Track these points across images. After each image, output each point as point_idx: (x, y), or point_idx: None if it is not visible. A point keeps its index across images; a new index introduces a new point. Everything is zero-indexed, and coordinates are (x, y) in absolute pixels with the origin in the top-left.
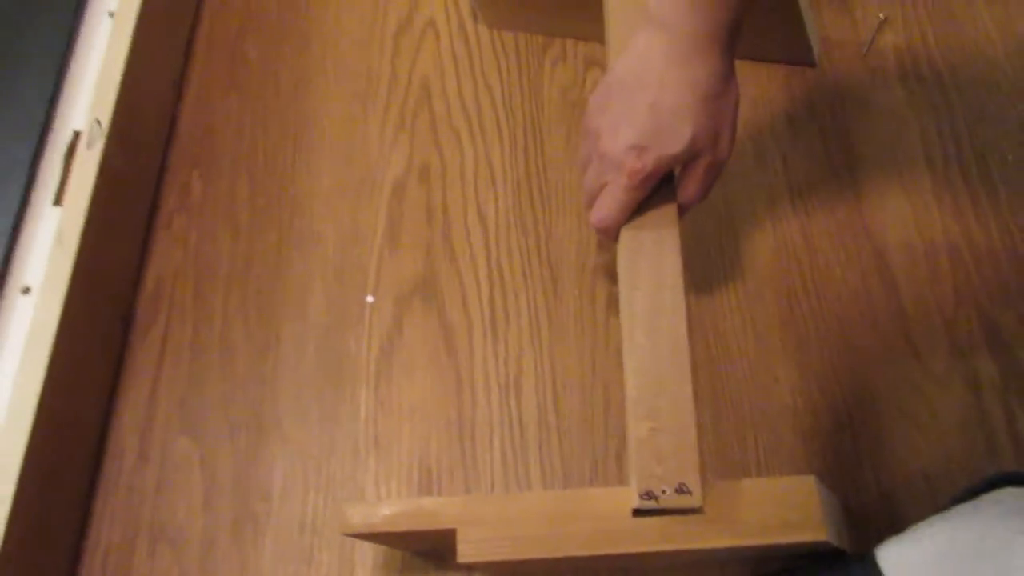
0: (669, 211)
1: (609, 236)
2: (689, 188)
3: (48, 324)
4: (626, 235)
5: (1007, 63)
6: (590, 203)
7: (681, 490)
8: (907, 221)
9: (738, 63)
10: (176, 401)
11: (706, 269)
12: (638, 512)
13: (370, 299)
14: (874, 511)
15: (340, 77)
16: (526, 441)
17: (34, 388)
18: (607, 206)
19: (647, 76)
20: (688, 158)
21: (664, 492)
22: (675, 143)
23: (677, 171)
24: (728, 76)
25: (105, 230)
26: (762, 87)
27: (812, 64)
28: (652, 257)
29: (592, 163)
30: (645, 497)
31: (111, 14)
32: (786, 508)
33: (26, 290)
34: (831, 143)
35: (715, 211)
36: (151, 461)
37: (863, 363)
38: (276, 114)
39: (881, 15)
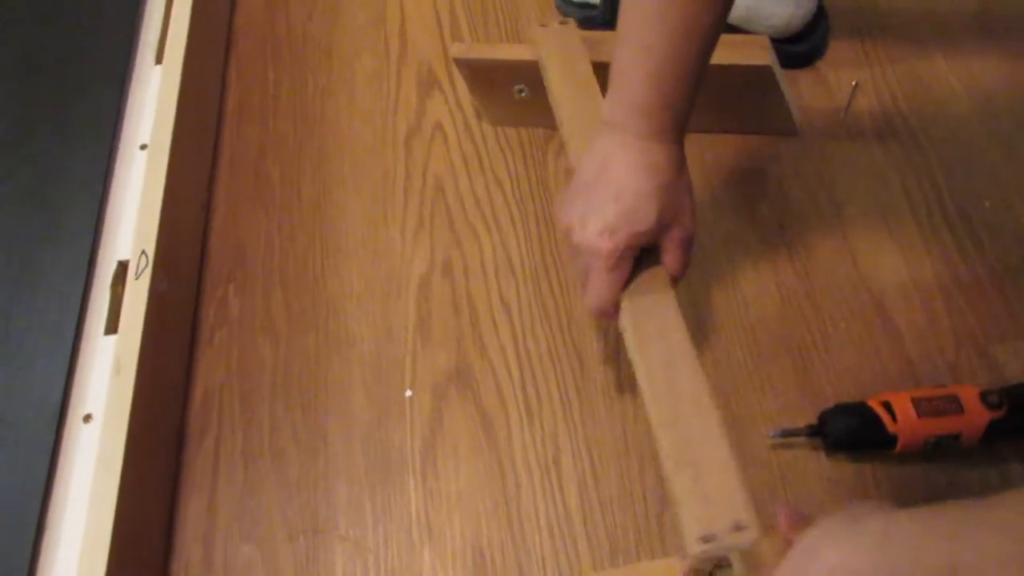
0: (660, 276)
1: (608, 317)
2: (669, 262)
3: (116, 448)
4: (625, 305)
5: (973, 116)
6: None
7: (738, 527)
8: (901, 271)
9: (728, 138)
10: (234, 509)
11: (720, 334)
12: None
13: (409, 393)
14: None
15: (359, 184)
16: (570, 515)
17: (108, 511)
18: (594, 290)
19: (609, 169)
20: (659, 232)
21: (722, 532)
22: (643, 222)
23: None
24: (681, 163)
25: (157, 352)
26: (752, 158)
27: (795, 133)
28: (653, 316)
29: (573, 258)
30: (704, 541)
31: (143, 146)
32: None
33: (87, 418)
34: (821, 204)
35: (722, 278)
36: (215, 569)
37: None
38: (302, 225)
39: (853, 81)
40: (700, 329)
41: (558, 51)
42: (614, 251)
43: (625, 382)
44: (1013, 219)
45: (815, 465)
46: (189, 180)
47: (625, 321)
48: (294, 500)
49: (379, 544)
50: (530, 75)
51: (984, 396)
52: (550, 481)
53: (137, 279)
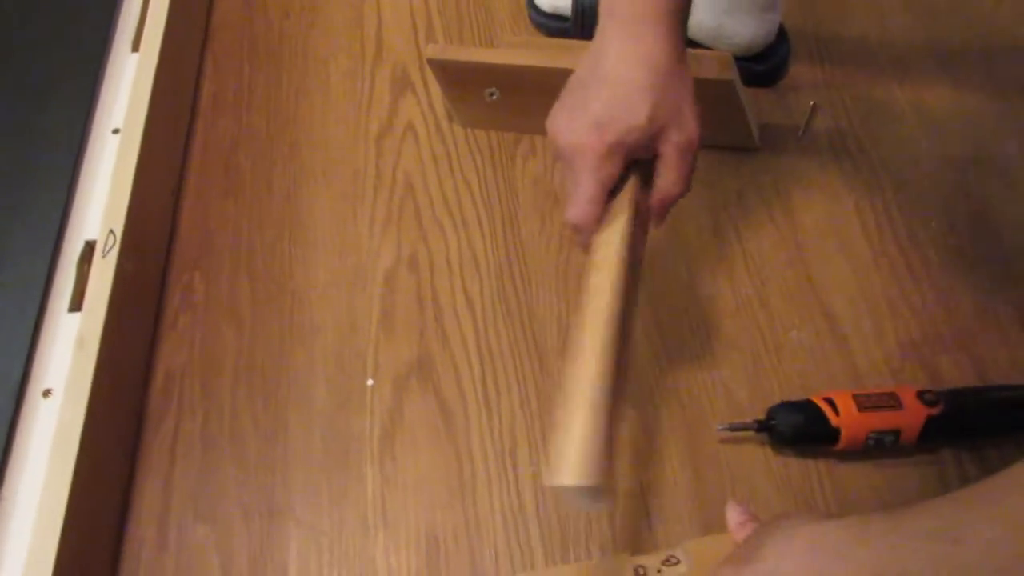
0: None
1: (582, 234)
2: (668, 176)
3: (74, 423)
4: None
5: (924, 140)
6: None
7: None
8: (850, 284)
9: None
10: (190, 490)
11: (675, 334)
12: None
13: (370, 383)
14: None
15: (329, 179)
16: (524, 506)
17: (64, 485)
18: (574, 198)
19: (601, 66)
20: (653, 132)
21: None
22: (635, 115)
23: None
24: (680, 56)
25: (119, 332)
26: (713, 169)
27: (755, 148)
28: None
29: (561, 167)
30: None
31: (116, 131)
32: None
33: (47, 392)
34: (777, 216)
35: (679, 279)
36: (169, 549)
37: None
38: (271, 215)
39: (811, 102)
40: (656, 328)
41: None
42: (599, 146)
43: None
44: (958, 239)
45: (763, 463)
46: (160, 166)
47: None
48: (251, 483)
49: (333, 528)
50: (501, 78)
51: (921, 395)
52: (506, 472)
53: (104, 258)
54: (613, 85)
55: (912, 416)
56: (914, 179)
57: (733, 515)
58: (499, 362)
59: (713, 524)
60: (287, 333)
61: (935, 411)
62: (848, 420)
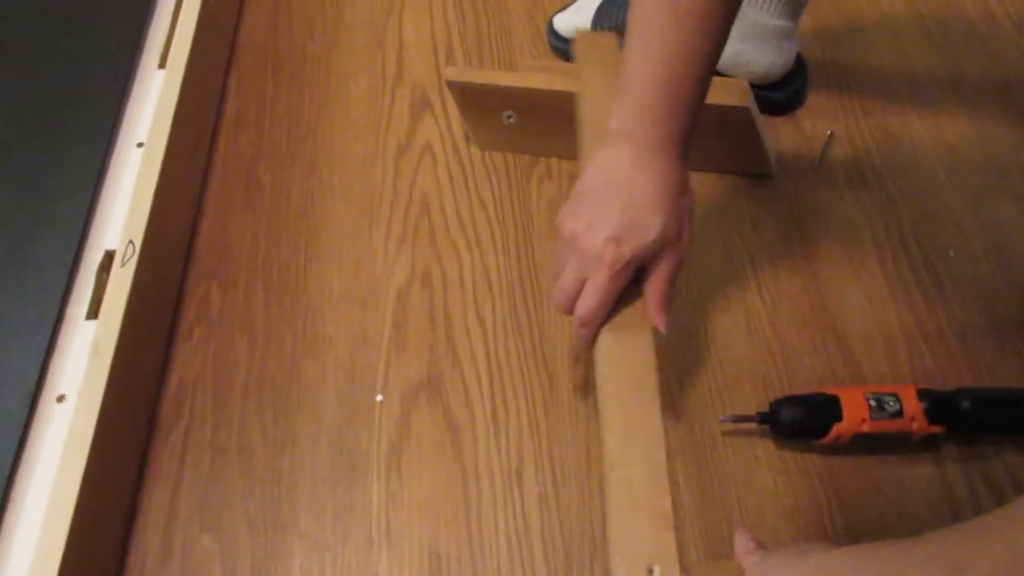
0: (640, 312)
1: (592, 328)
2: (659, 285)
3: (85, 429)
4: (603, 337)
5: (941, 170)
6: (567, 303)
7: (650, 571)
8: (866, 313)
9: (707, 176)
10: (197, 500)
11: (687, 359)
12: None
13: (379, 398)
14: None
15: (346, 195)
16: (529, 527)
17: (72, 491)
18: (592, 296)
19: (617, 178)
20: (658, 249)
21: (651, 572)
22: (648, 233)
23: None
24: (685, 180)
25: (135, 341)
26: (728, 196)
27: (770, 175)
28: (628, 352)
29: (571, 263)
30: None
31: (140, 144)
32: None
33: (61, 398)
34: (792, 244)
35: (692, 305)
36: (173, 558)
37: (836, 445)
38: (288, 230)
39: (828, 131)
40: (667, 351)
41: (595, 56)
42: (618, 260)
43: (592, 400)
44: (975, 270)
45: (763, 458)
46: (181, 179)
47: (600, 352)
48: (257, 495)
49: (337, 542)
50: (519, 101)
51: (924, 393)
52: (511, 492)
53: (122, 267)
54: (630, 204)
55: (915, 413)
56: (932, 209)
57: (741, 542)
58: (508, 381)
59: (718, 547)
60: (299, 346)
61: (938, 409)
62: (851, 414)
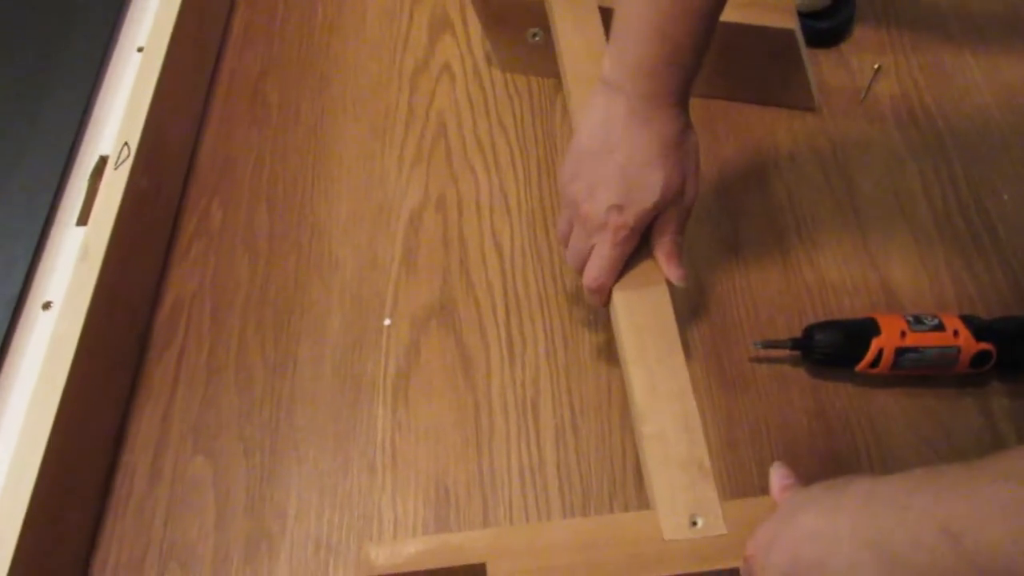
0: (653, 269)
1: (603, 294)
2: (667, 241)
3: (69, 336)
4: (618, 296)
5: (996, 109)
6: (579, 266)
7: (693, 522)
8: (911, 254)
9: (744, 106)
10: (190, 421)
11: (719, 298)
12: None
13: (387, 322)
14: None
15: (359, 114)
16: (544, 461)
17: (52, 400)
18: (598, 266)
19: (612, 138)
20: (662, 209)
21: (694, 524)
22: (651, 194)
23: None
24: (686, 127)
25: (127, 249)
26: (767, 128)
27: (812, 108)
28: (645, 308)
29: (575, 229)
30: (672, 531)
31: (140, 49)
32: None
33: (47, 305)
34: (833, 180)
35: (726, 241)
36: (163, 480)
37: (876, 388)
38: (295, 147)
39: (876, 65)
40: (699, 289)
41: None
42: (622, 228)
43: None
44: None
45: (801, 412)
46: (183, 88)
47: (617, 311)
48: (255, 417)
49: (338, 470)
50: (546, 19)
51: (968, 319)
52: (526, 425)
53: (116, 170)
54: (627, 164)
55: (957, 327)
56: (985, 150)
57: (777, 477)
58: (526, 310)
59: (749, 488)
60: (304, 266)
61: (983, 339)
62: (889, 330)
